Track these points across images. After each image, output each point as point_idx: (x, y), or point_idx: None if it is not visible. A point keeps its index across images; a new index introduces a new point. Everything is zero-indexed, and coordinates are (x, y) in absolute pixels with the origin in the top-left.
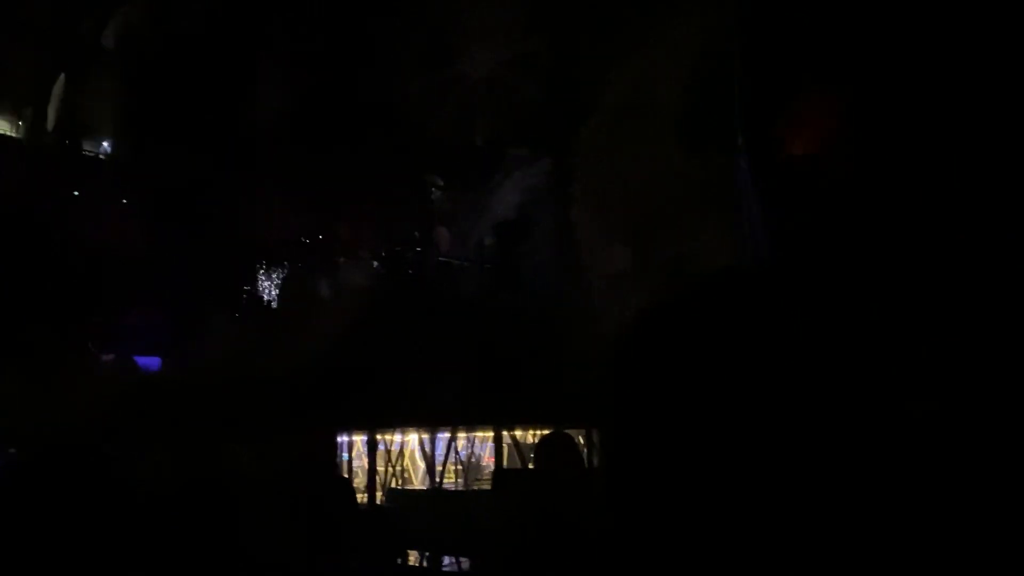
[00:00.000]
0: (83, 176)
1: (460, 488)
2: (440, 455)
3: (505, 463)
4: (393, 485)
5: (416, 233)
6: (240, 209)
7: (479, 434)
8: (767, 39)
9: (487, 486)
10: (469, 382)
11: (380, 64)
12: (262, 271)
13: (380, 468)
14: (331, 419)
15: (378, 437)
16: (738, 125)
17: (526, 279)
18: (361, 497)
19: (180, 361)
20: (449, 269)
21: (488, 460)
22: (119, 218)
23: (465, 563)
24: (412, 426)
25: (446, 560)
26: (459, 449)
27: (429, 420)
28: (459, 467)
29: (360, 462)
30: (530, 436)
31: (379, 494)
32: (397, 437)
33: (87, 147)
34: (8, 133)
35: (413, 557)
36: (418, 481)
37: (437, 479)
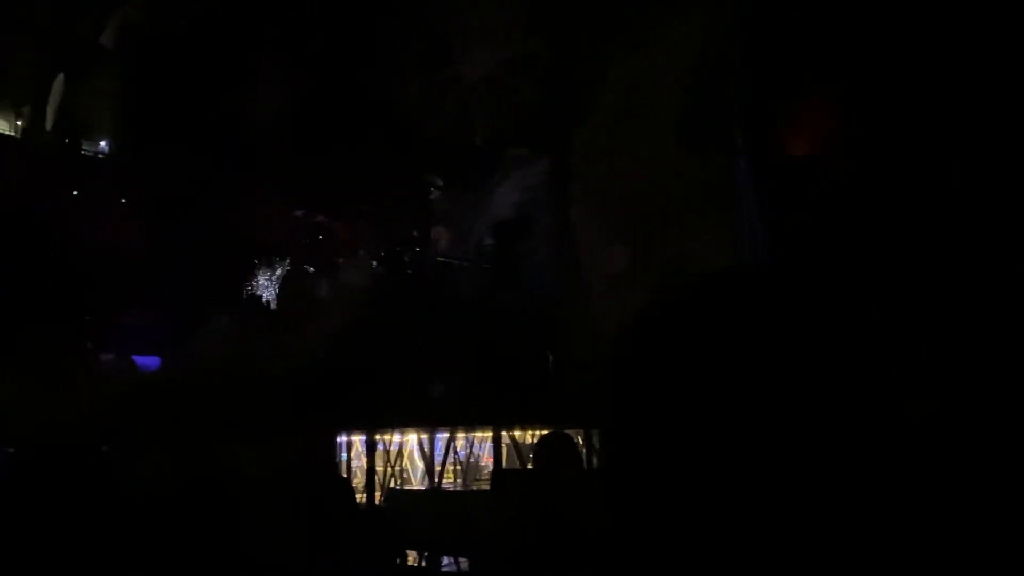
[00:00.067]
0: (81, 176)
1: (459, 488)
2: (439, 455)
3: (504, 463)
4: (392, 485)
5: (415, 233)
6: (239, 209)
7: (478, 434)
8: (766, 40)
9: (486, 486)
10: (468, 382)
11: (380, 64)
12: (261, 271)
13: (379, 468)
14: (330, 419)
15: (377, 437)
16: (737, 125)
17: (525, 279)
18: (360, 497)
19: (178, 361)
20: (448, 269)
21: (487, 460)
22: (118, 218)
23: (464, 563)
24: (411, 426)
25: (445, 560)
26: (458, 449)
27: (428, 420)
28: (458, 467)
29: (359, 462)
30: (529, 436)
31: (378, 494)
32: (396, 437)
33: (86, 147)
34: (7, 132)
35: (412, 557)
36: (417, 481)
37: (436, 479)
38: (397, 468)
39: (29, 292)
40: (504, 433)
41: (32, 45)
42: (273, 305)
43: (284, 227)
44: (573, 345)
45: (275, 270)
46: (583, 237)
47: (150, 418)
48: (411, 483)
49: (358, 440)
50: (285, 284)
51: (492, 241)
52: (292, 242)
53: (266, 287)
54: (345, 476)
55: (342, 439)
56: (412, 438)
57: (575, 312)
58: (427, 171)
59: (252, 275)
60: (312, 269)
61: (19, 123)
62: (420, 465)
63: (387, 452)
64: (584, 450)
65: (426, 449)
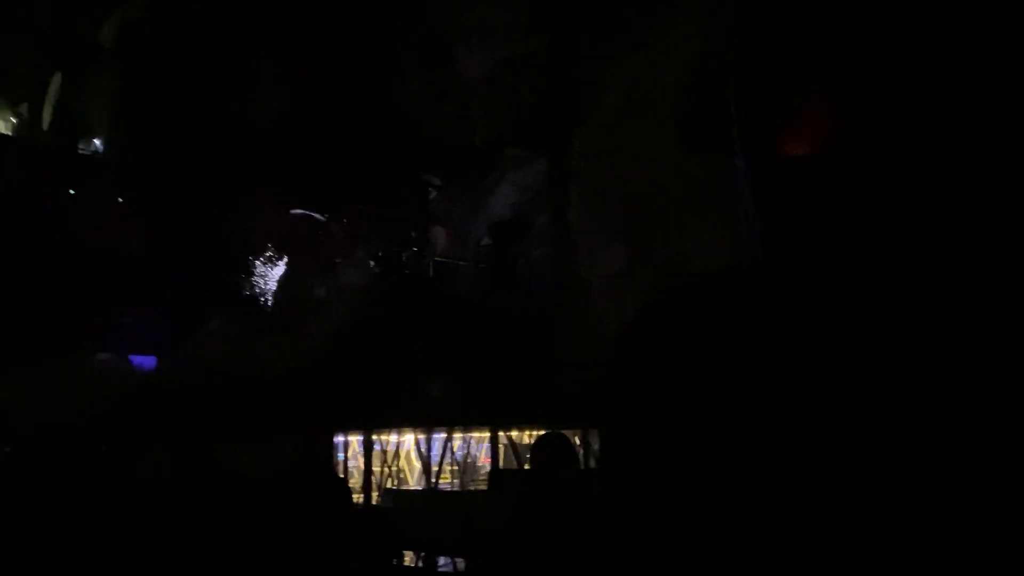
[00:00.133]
0: (79, 175)
1: (456, 489)
2: (436, 455)
3: (501, 463)
4: (389, 486)
5: (413, 233)
6: (237, 208)
7: (475, 434)
8: (766, 40)
9: (483, 487)
10: (466, 382)
11: (379, 64)
12: (258, 271)
13: (376, 468)
14: (328, 419)
15: (374, 437)
16: (737, 125)
17: (523, 279)
18: (357, 498)
19: (176, 361)
20: (446, 269)
21: (484, 460)
22: (115, 217)
23: (461, 563)
24: (408, 426)
25: (442, 561)
26: (455, 450)
27: (425, 420)
28: (455, 468)
29: (356, 462)
30: (526, 436)
31: (375, 495)
32: (393, 437)
33: (82, 146)
34: (4, 132)
35: (409, 557)
36: (414, 482)
37: (433, 480)
38: (394, 468)
39: (25, 292)
40: (501, 433)
41: (30, 44)
42: (270, 305)
43: (282, 227)
44: (571, 345)
45: (272, 270)
46: (582, 237)
47: (147, 418)
48: (408, 483)
49: (355, 440)
50: (282, 284)
51: (490, 241)
52: (290, 242)
53: (264, 287)
54: (342, 476)
55: (339, 439)
56: (409, 438)
57: (573, 312)
58: (426, 171)
59: (250, 275)
60: (310, 269)
61: (15, 121)
62: (417, 465)
63: (384, 452)
64: (581, 450)
65: (423, 449)
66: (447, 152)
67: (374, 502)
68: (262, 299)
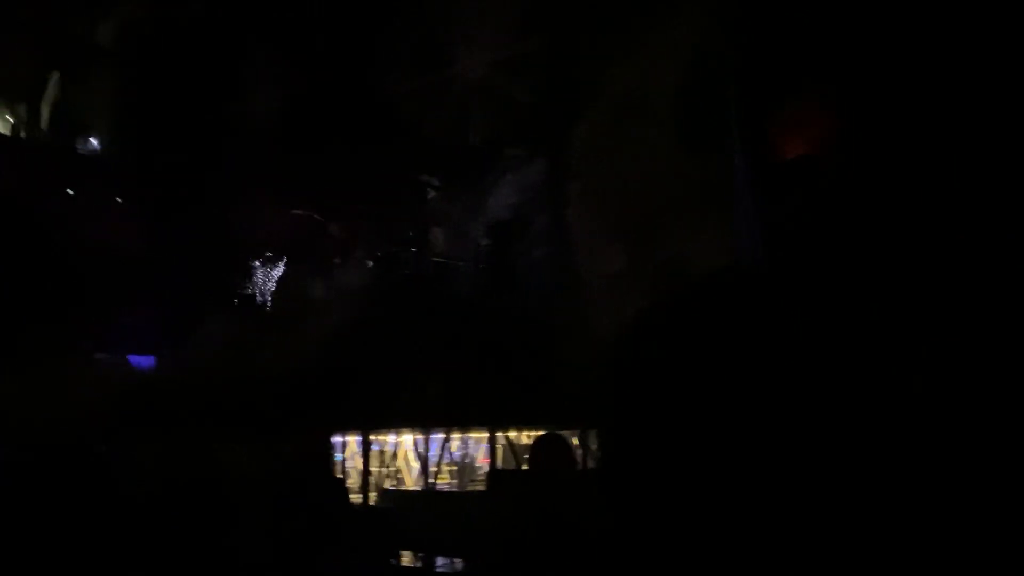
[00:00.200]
0: (77, 175)
1: (454, 489)
2: (434, 456)
3: (500, 464)
4: (387, 486)
5: (412, 233)
6: (234, 208)
7: (473, 435)
8: (765, 39)
9: (481, 487)
10: (464, 383)
11: (375, 63)
12: (256, 271)
13: (374, 469)
14: (325, 420)
15: (372, 438)
16: (736, 125)
17: (522, 279)
18: (355, 498)
19: (174, 360)
20: (445, 269)
21: (483, 461)
22: (111, 216)
23: (459, 563)
24: (406, 427)
25: (440, 560)
26: (453, 450)
27: (423, 421)
28: (453, 468)
29: (354, 463)
30: (524, 437)
31: (373, 495)
32: (391, 438)
33: (79, 145)
34: (2, 132)
35: (407, 558)
36: (412, 482)
37: (431, 480)
38: (392, 469)
39: (21, 291)
40: (500, 434)
41: (27, 43)
42: (268, 305)
43: (281, 227)
44: (570, 346)
45: (271, 270)
46: (581, 237)
47: (144, 418)
48: (406, 484)
49: (353, 440)
50: (281, 284)
51: (489, 241)
52: (289, 242)
53: (262, 287)
54: (340, 477)
55: (337, 439)
56: (407, 439)
57: (572, 312)
58: (424, 171)
59: (248, 275)
60: (308, 269)
61: (12, 121)
62: (415, 466)
63: (382, 453)
64: (579, 451)
65: (421, 450)
66: (446, 152)
67: (372, 502)
68: (260, 299)
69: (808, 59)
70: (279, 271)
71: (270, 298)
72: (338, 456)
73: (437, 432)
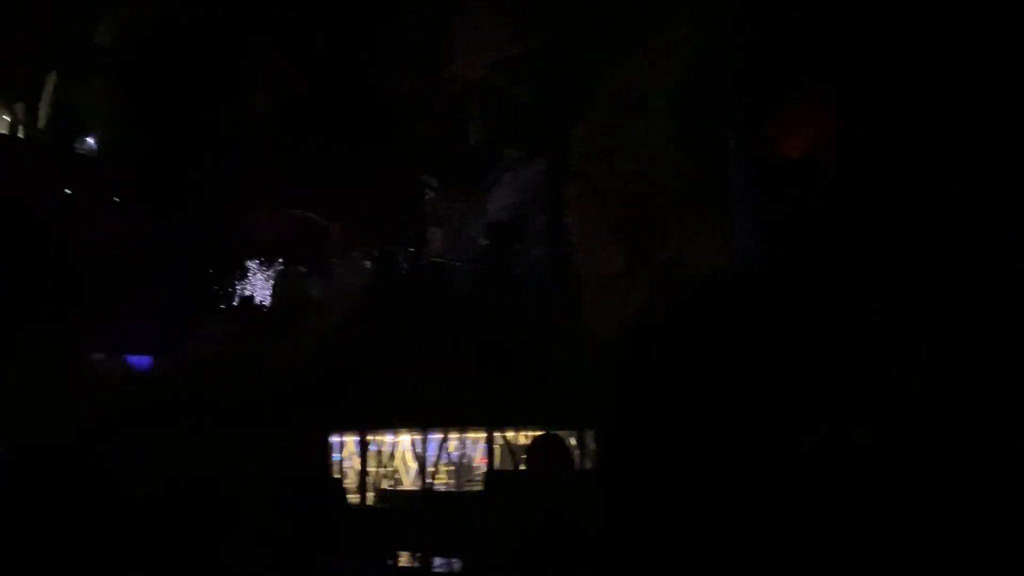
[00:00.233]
0: (76, 175)
1: (452, 489)
2: (432, 456)
3: (497, 464)
4: (384, 486)
5: (410, 233)
6: (234, 208)
7: (471, 435)
8: (764, 39)
9: (479, 487)
10: (462, 383)
11: (374, 63)
12: (255, 270)
13: (372, 469)
14: (323, 420)
15: (370, 438)
16: (735, 125)
17: (521, 279)
18: (353, 498)
19: (172, 360)
20: (443, 269)
21: (480, 461)
22: (110, 216)
23: (457, 563)
24: (404, 427)
25: (438, 560)
26: (451, 450)
27: (421, 421)
28: (451, 468)
29: (352, 463)
30: (522, 437)
31: (371, 495)
32: (389, 438)
33: (78, 145)
34: (0, 131)
35: (405, 558)
36: (410, 482)
37: (429, 480)
38: (390, 469)
39: (20, 291)
40: (497, 434)
41: (25, 43)
42: (266, 305)
43: (279, 227)
44: (568, 346)
45: (270, 270)
46: (580, 237)
47: (142, 418)
48: (404, 484)
49: (351, 440)
50: (278, 284)
51: (488, 241)
52: (287, 242)
53: (261, 287)
54: (338, 477)
55: (335, 440)
56: (405, 439)
57: (571, 312)
58: (423, 171)
59: (246, 274)
60: (307, 269)
61: (10, 121)
62: (413, 466)
63: (380, 453)
64: (576, 451)
65: (419, 450)
66: (445, 152)
67: (370, 502)
68: (259, 299)
69: (807, 59)
70: (278, 271)
71: (269, 298)
72: (336, 456)
73: (435, 432)
